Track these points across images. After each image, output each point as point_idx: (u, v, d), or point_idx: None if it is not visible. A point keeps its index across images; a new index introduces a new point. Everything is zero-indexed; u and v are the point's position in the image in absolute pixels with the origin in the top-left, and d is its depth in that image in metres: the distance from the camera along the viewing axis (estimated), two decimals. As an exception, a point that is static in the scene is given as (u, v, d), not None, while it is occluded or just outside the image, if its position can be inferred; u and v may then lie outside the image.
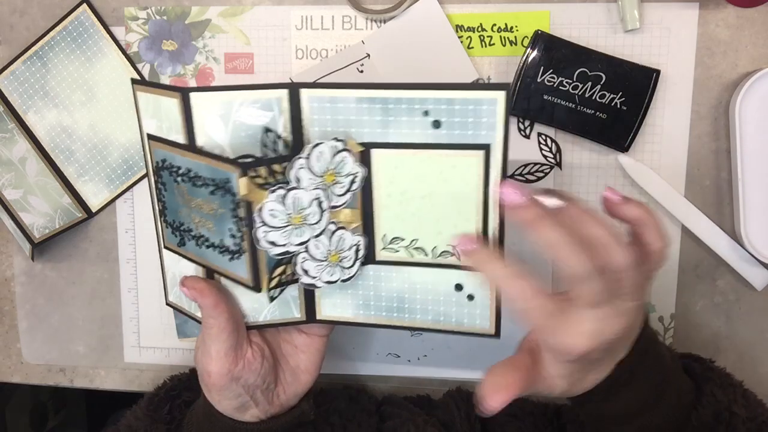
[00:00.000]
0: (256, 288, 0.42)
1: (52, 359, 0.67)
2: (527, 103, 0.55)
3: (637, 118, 0.54)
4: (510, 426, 0.54)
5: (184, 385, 0.57)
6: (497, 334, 0.42)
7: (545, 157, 0.57)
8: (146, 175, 0.45)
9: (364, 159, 0.40)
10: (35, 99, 0.61)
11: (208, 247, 0.43)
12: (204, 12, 0.59)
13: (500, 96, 0.37)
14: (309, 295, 0.44)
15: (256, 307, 0.44)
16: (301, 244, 0.41)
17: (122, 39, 0.60)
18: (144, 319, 0.64)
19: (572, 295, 0.35)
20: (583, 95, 0.54)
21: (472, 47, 0.56)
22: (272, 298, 0.43)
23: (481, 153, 0.39)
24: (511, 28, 0.56)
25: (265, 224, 0.39)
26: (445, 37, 0.56)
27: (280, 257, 0.41)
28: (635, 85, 0.54)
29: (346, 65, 0.57)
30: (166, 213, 0.45)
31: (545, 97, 0.54)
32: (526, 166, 0.57)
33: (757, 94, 0.52)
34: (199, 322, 0.46)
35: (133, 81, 0.43)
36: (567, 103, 0.54)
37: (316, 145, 0.39)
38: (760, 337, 0.58)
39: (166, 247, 0.47)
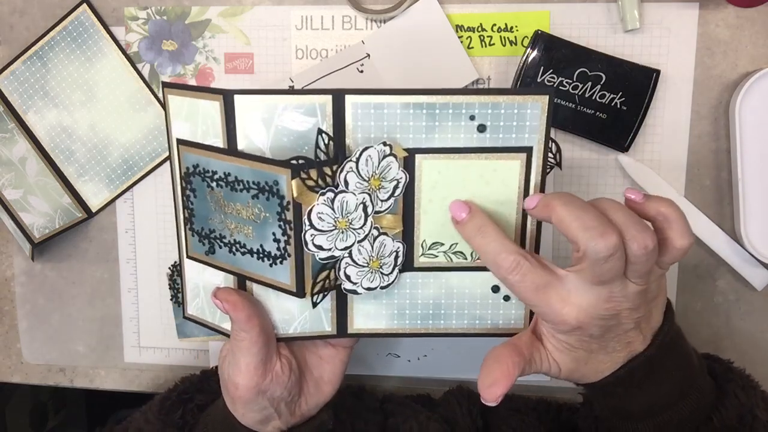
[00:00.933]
0: (300, 293, 0.41)
1: (52, 359, 0.67)
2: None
3: (637, 118, 0.54)
4: (513, 420, 0.54)
5: (196, 388, 0.56)
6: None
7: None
8: (171, 177, 0.45)
9: (408, 164, 0.41)
10: (35, 99, 0.61)
11: (244, 253, 0.42)
12: (204, 12, 0.59)
13: (544, 100, 0.39)
14: (341, 307, 0.44)
15: (287, 318, 0.44)
16: (345, 249, 0.41)
17: (122, 39, 0.60)
18: (144, 319, 0.64)
19: (579, 267, 0.36)
20: (583, 95, 0.54)
21: (472, 47, 0.56)
22: (315, 304, 0.43)
23: (523, 156, 0.40)
24: (511, 28, 0.56)
25: (313, 227, 0.39)
26: (445, 37, 0.56)
27: (325, 262, 0.41)
28: (635, 85, 0.54)
29: (346, 65, 0.57)
30: (194, 221, 0.44)
31: (545, 97, 0.54)
32: (526, 166, 0.57)
33: (757, 94, 0.52)
34: (225, 335, 0.45)
35: (164, 84, 0.43)
36: (567, 103, 0.54)
37: (366, 149, 0.39)
38: (760, 337, 0.58)
39: (189, 257, 0.46)
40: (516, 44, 0.56)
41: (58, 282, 0.65)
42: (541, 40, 0.54)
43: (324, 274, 0.41)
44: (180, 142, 0.43)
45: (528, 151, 0.40)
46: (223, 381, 0.46)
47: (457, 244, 0.42)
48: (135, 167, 0.62)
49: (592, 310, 0.37)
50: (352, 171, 0.39)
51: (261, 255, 0.42)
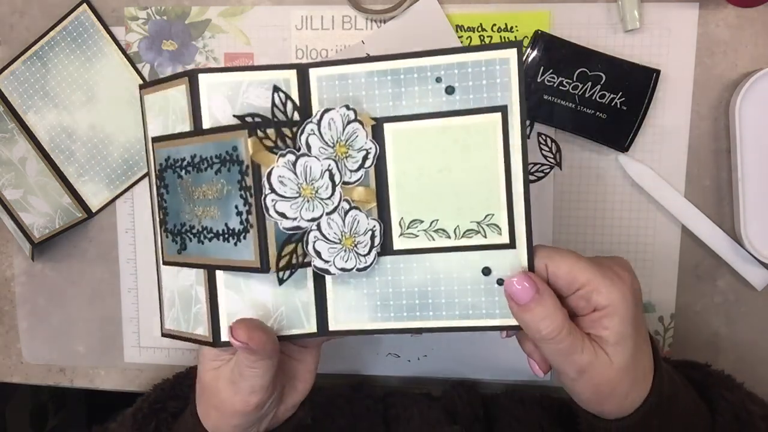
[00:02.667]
0: (264, 267, 0.38)
1: (52, 359, 0.67)
2: (527, 103, 0.55)
3: (637, 118, 0.54)
4: (515, 410, 0.54)
5: (168, 395, 0.54)
6: None
7: (545, 157, 0.57)
8: (148, 182, 0.45)
9: (377, 135, 0.39)
10: (35, 99, 0.61)
11: (211, 239, 0.40)
12: (204, 12, 0.59)
13: (512, 54, 0.37)
14: (320, 299, 0.41)
15: (261, 315, 0.41)
16: (313, 220, 0.38)
17: (122, 39, 0.60)
18: (144, 319, 0.64)
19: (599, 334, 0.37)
20: (583, 95, 0.54)
21: (472, 47, 0.56)
22: (281, 281, 0.39)
23: (498, 116, 0.38)
24: (511, 28, 0.56)
25: (274, 191, 0.37)
26: (445, 37, 0.56)
27: (291, 232, 0.38)
28: (635, 85, 0.54)
29: (346, 65, 0.57)
30: (167, 220, 0.43)
31: (545, 97, 0.54)
32: (526, 166, 0.57)
33: (757, 94, 0.52)
34: (202, 343, 0.42)
35: (141, 85, 0.43)
36: (567, 103, 0.54)
37: (327, 110, 0.38)
38: (760, 337, 0.58)
39: (165, 263, 0.44)
40: (516, 44, 0.56)
41: (58, 282, 0.65)
42: (541, 40, 0.54)
43: (290, 247, 0.39)
44: (154, 140, 0.43)
45: (503, 110, 0.37)
46: (216, 400, 0.43)
47: (437, 220, 0.39)
48: (135, 167, 0.62)
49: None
50: (314, 134, 0.38)
51: (226, 235, 0.40)
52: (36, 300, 0.66)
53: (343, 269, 0.39)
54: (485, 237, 0.38)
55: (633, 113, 0.54)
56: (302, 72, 0.39)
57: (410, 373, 0.62)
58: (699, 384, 0.45)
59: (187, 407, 0.48)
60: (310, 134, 0.38)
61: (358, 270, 0.39)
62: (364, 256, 0.39)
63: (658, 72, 0.53)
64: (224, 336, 0.41)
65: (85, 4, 0.59)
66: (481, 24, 0.56)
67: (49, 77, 0.61)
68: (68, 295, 0.65)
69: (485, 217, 0.38)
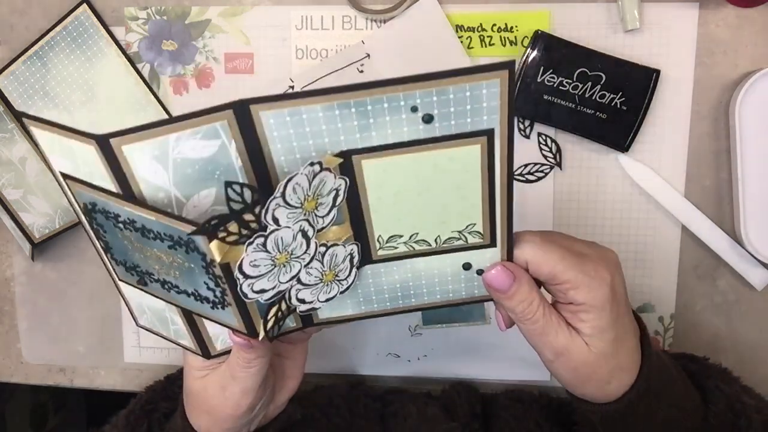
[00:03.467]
0: (252, 334, 0.37)
1: (52, 359, 0.67)
2: (527, 103, 0.55)
3: (637, 118, 0.54)
4: (513, 409, 0.54)
5: (160, 396, 0.54)
6: None
7: (545, 157, 0.57)
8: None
9: (345, 168, 0.35)
10: (35, 99, 0.61)
11: (179, 293, 0.37)
12: (204, 12, 0.59)
13: (503, 76, 0.32)
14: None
15: None
16: (293, 278, 0.36)
17: (122, 39, 0.60)
18: (144, 319, 0.64)
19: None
20: (583, 95, 0.54)
21: (472, 47, 0.56)
22: (272, 339, 0.38)
23: (483, 139, 0.34)
24: (511, 28, 0.56)
25: (248, 277, 0.34)
26: (445, 37, 0.56)
27: (272, 299, 0.36)
28: (635, 85, 0.53)
29: (346, 65, 0.57)
30: (113, 252, 0.38)
31: (545, 97, 0.54)
32: (526, 166, 0.57)
33: (757, 94, 0.52)
34: (184, 347, 0.42)
35: (22, 115, 0.34)
36: (567, 103, 0.54)
37: (290, 178, 0.32)
38: (760, 337, 0.58)
39: (121, 280, 0.41)
40: (516, 44, 0.56)
41: (58, 282, 0.65)
42: (541, 40, 0.54)
43: (274, 309, 0.37)
44: (65, 176, 0.36)
45: (488, 133, 0.34)
46: (204, 404, 0.43)
47: (417, 234, 0.37)
48: (135, 167, 0.62)
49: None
50: (280, 206, 0.33)
51: (198, 298, 0.37)
52: (36, 300, 0.66)
53: (327, 300, 0.38)
54: (466, 242, 0.38)
55: (633, 113, 0.54)
56: (241, 112, 0.32)
57: (410, 373, 0.62)
58: (695, 375, 0.45)
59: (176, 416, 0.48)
60: (276, 208, 0.33)
61: (341, 293, 0.38)
62: (345, 279, 0.38)
63: (658, 72, 0.53)
64: (215, 349, 0.41)
65: (85, 4, 0.59)
66: (481, 24, 0.56)
67: (49, 77, 0.61)
68: (68, 295, 0.65)
69: (467, 227, 0.37)
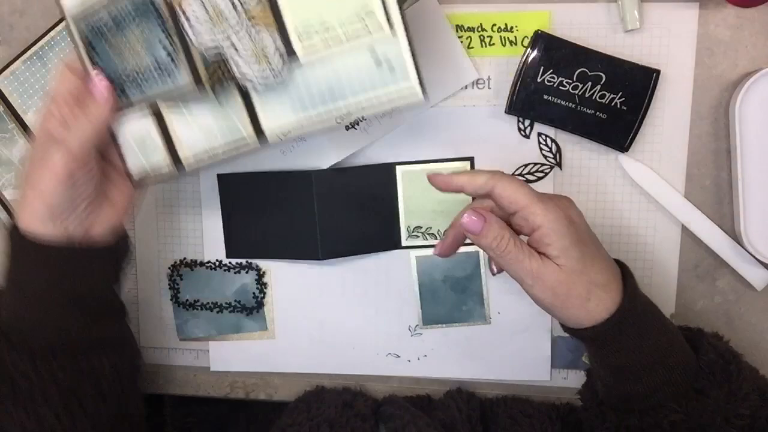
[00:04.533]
0: (199, 85, 0.45)
1: (52, 359, 0.67)
2: (527, 103, 0.55)
3: (637, 118, 0.54)
4: (513, 429, 0.54)
5: None
6: (424, 93, 0.43)
7: (545, 157, 0.57)
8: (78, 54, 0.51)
9: None
10: (35, 99, 0.61)
11: (147, 79, 0.47)
12: (204, 12, 0.59)
13: None
14: (250, 109, 0.46)
15: (209, 136, 0.48)
16: (227, 39, 0.44)
17: (122, 39, 0.60)
18: (144, 319, 0.64)
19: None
20: (583, 95, 0.54)
21: (472, 47, 0.56)
22: (216, 95, 0.46)
23: None
24: (511, 28, 0.56)
25: (189, 22, 0.44)
26: (445, 37, 0.56)
27: (213, 53, 0.44)
28: (635, 85, 0.54)
29: (346, 65, 0.57)
30: (106, 71, 0.49)
31: (545, 97, 0.54)
32: (526, 166, 0.57)
33: (757, 94, 0.52)
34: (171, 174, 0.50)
35: None
36: (567, 103, 0.54)
37: None
38: (760, 337, 0.58)
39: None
40: (516, 44, 0.56)
41: (58, 282, 0.65)
42: (541, 40, 0.54)
43: (215, 65, 0.45)
44: (74, 20, 0.48)
45: None
46: (33, 173, 0.47)
47: (328, 29, 0.43)
48: (135, 167, 0.62)
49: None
50: None
51: (159, 69, 0.46)
52: (36, 300, 0.65)
53: (264, 82, 0.44)
54: (370, 32, 0.42)
55: (633, 113, 0.54)
56: None
57: (410, 374, 0.62)
58: (689, 338, 0.47)
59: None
60: None
61: (275, 78, 0.44)
62: (277, 69, 0.44)
63: (658, 72, 0.53)
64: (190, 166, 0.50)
65: (85, 4, 0.59)
66: (481, 24, 0.56)
67: (49, 77, 0.61)
68: (68, 295, 0.65)
69: (367, 14, 0.42)
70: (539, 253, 0.44)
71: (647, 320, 0.45)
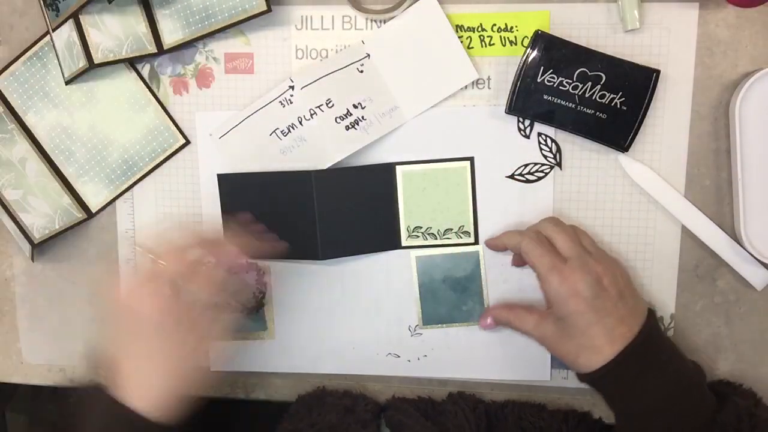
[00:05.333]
0: None
1: (52, 359, 0.67)
2: (527, 103, 0.55)
3: (637, 118, 0.54)
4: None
5: None
6: (269, 8, 0.50)
7: (545, 157, 0.57)
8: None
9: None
10: (35, 99, 0.61)
11: None
12: (204, 12, 0.59)
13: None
14: (151, 21, 0.55)
15: (118, 42, 0.57)
16: None
17: (122, 39, 0.60)
18: (144, 319, 0.64)
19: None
20: (583, 95, 0.54)
21: (472, 47, 0.56)
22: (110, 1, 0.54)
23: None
24: (511, 28, 0.56)
25: None
26: (445, 37, 0.56)
27: None
28: (635, 85, 0.54)
29: (346, 65, 0.57)
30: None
31: (545, 97, 0.54)
32: (526, 166, 0.57)
33: (757, 94, 0.52)
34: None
35: None
36: (567, 103, 0.54)
37: None
38: (760, 337, 0.58)
39: (54, 30, 0.57)
40: (516, 44, 0.56)
41: (58, 282, 0.65)
42: (541, 40, 0.54)
43: None
44: None
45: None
46: (168, 337, 0.46)
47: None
48: (135, 167, 0.62)
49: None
50: None
51: None
52: (36, 300, 0.66)
53: None
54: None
55: (633, 113, 0.54)
56: None
57: (410, 374, 0.62)
58: (722, 393, 0.49)
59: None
60: None
61: None
62: None
63: (658, 72, 0.53)
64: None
65: (84, 4, 0.59)
66: (481, 24, 0.56)
67: (49, 77, 0.61)
68: (68, 295, 0.65)
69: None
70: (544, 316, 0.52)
71: (646, 364, 0.47)
